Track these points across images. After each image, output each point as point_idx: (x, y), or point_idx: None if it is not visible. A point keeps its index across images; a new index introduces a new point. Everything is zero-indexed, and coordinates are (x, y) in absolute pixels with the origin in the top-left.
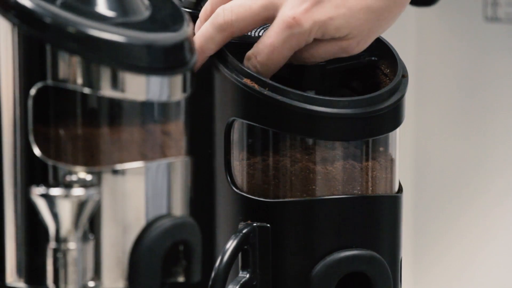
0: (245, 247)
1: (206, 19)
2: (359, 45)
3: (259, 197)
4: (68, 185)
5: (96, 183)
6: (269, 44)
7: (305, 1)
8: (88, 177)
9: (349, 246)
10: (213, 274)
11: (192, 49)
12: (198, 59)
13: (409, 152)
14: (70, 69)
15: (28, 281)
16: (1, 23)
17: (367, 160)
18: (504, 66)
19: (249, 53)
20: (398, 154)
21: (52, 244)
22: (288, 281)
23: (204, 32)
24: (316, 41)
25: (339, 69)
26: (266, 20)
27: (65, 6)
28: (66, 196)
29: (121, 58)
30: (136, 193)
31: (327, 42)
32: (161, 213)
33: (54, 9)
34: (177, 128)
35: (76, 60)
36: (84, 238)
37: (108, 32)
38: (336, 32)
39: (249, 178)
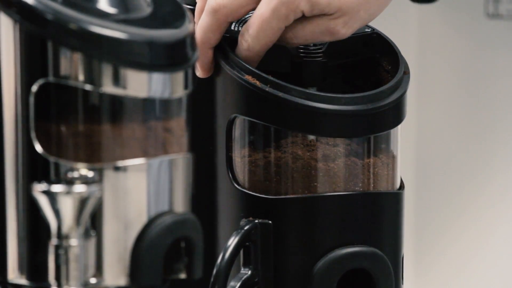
0: (247, 243)
1: (201, 10)
2: (345, 27)
3: (260, 193)
4: (70, 182)
5: (98, 180)
6: (259, 15)
7: None
8: (90, 174)
9: (350, 243)
10: (214, 271)
11: (193, 46)
12: (201, 52)
13: (410, 148)
14: (71, 66)
15: (29, 277)
16: (2, 19)
17: (368, 157)
18: (506, 63)
19: (243, 28)
20: (399, 151)
21: (53, 241)
22: (289, 277)
23: (201, 22)
24: (302, 19)
25: (341, 66)
26: None
27: (66, 3)
28: (68, 192)
29: (122, 55)
30: (138, 189)
31: (314, 20)
32: (162, 210)
33: (56, 6)
34: (179, 125)
35: (77, 56)
36: (86, 235)
37: (109, 29)
38: (326, 7)
39: (251, 174)
